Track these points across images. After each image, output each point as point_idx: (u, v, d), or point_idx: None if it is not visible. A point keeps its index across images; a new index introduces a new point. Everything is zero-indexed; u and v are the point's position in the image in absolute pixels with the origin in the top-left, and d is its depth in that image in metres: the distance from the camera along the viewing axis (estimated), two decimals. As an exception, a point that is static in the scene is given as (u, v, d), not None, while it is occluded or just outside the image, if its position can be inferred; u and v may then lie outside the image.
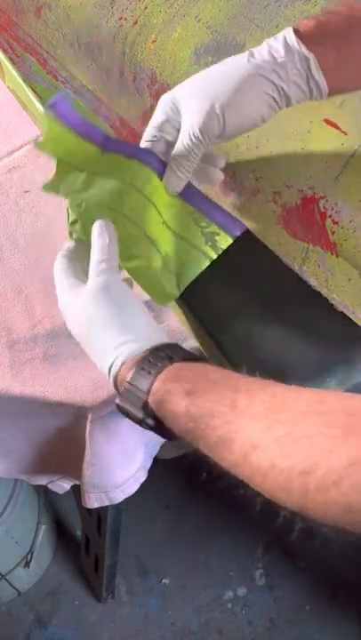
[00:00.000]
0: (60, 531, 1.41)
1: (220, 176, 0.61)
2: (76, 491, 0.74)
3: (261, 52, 0.53)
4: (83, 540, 1.26)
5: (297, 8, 0.64)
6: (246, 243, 0.63)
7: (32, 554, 1.24)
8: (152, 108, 0.69)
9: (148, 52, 0.72)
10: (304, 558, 1.34)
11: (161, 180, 0.57)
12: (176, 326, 0.68)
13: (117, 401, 0.48)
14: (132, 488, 0.71)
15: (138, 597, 1.34)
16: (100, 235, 0.54)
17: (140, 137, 0.65)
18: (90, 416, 0.64)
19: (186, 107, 0.54)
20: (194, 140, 0.54)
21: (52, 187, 0.56)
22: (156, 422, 0.46)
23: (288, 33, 0.53)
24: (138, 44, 0.73)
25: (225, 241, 0.61)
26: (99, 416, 0.64)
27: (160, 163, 0.57)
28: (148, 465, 0.74)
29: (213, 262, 0.62)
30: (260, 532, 1.37)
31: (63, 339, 0.66)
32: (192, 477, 1.44)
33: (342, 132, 0.62)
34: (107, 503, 0.71)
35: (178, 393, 0.45)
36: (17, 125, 0.78)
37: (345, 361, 0.57)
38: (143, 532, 1.39)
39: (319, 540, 1.35)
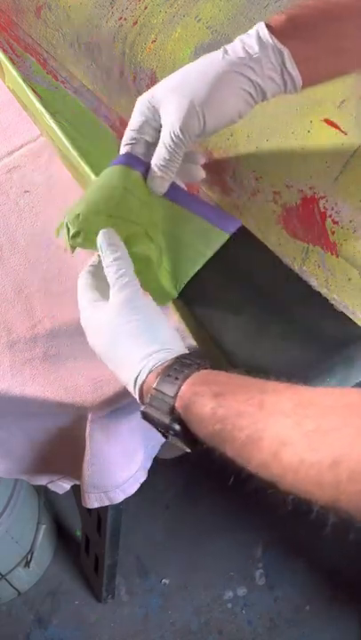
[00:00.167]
0: (60, 531, 1.41)
1: (202, 173, 0.62)
2: (76, 491, 0.74)
3: (235, 48, 0.53)
4: (83, 540, 1.26)
5: (297, 8, 0.64)
6: (246, 243, 0.63)
7: (32, 554, 1.24)
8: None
9: (148, 52, 0.72)
10: (304, 558, 1.34)
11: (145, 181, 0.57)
12: (176, 326, 0.68)
13: (143, 408, 0.48)
14: (132, 488, 0.71)
15: (138, 597, 1.34)
16: (109, 247, 0.54)
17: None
18: (90, 416, 0.64)
19: (164, 107, 0.54)
20: (175, 139, 0.54)
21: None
22: (181, 428, 0.46)
23: (261, 28, 0.53)
24: (138, 44, 0.73)
25: (220, 238, 0.61)
26: (99, 416, 0.64)
27: (143, 165, 0.57)
28: (148, 465, 0.74)
29: (214, 262, 0.62)
30: (260, 531, 1.37)
31: (63, 339, 0.66)
32: (192, 477, 1.44)
33: (342, 131, 0.62)
34: (107, 503, 0.71)
35: (205, 395, 0.45)
36: (17, 125, 0.78)
37: (345, 361, 0.57)
38: (143, 531, 1.39)
39: (319, 540, 1.35)
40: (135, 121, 0.56)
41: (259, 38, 0.53)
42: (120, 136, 0.68)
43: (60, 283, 0.68)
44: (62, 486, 0.77)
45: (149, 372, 0.49)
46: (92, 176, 0.62)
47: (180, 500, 1.43)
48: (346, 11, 0.53)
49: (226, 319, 0.60)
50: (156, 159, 0.56)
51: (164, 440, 0.76)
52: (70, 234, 0.55)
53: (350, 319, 0.58)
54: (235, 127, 0.67)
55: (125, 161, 0.57)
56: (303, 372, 0.55)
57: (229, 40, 0.55)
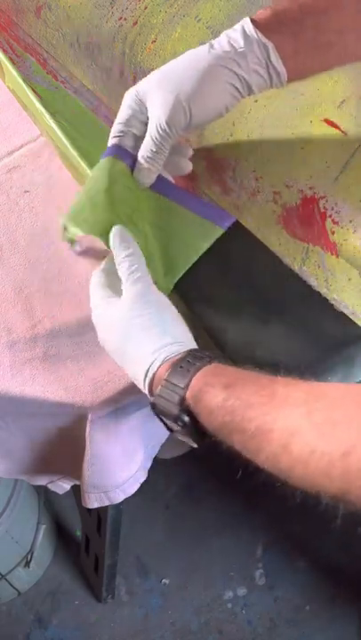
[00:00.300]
0: (60, 531, 1.41)
1: (189, 166, 0.62)
2: (76, 491, 0.74)
3: (221, 42, 0.54)
4: (83, 540, 1.26)
5: (297, 8, 0.64)
6: (246, 243, 0.63)
7: (32, 554, 1.24)
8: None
9: (148, 52, 0.72)
10: (304, 558, 1.34)
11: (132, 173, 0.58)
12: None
13: (152, 399, 0.48)
14: (132, 488, 0.71)
15: (138, 597, 1.34)
16: (121, 243, 0.54)
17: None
18: (90, 416, 0.64)
19: (151, 100, 0.55)
20: (161, 132, 0.54)
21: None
22: (190, 420, 0.46)
23: (246, 23, 0.54)
24: (138, 44, 0.73)
25: (215, 233, 0.61)
26: (99, 416, 0.64)
27: (130, 157, 0.58)
28: (148, 465, 0.74)
29: (213, 262, 0.62)
30: (260, 531, 1.37)
31: (63, 339, 0.66)
32: (192, 477, 1.44)
33: (342, 131, 0.62)
34: (107, 503, 0.71)
35: (216, 386, 0.45)
36: (17, 125, 0.78)
37: (345, 361, 0.57)
38: (143, 531, 1.39)
39: (319, 540, 1.35)
40: (123, 114, 0.57)
41: (244, 33, 0.53)
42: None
43: (60, 283, 0.68)
44: (62, 486, 0.77)
45: (161, 364, 0.49)
46: None
47: (180, 500, 1.43)
48: (331, 5, 0.54)
49: (226, 319, 0.60)
50: (143, 151, 0.56)
51: (164, 440, 0.76)
52: (64, 227, 0.56)
53: (350, 319, 0.58)
54: (235, 127, 0.67)
55: (112, 152, 0.58)
56: (303, 372, 0.55)
57: (229, 40, 0.55)
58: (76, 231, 0.56)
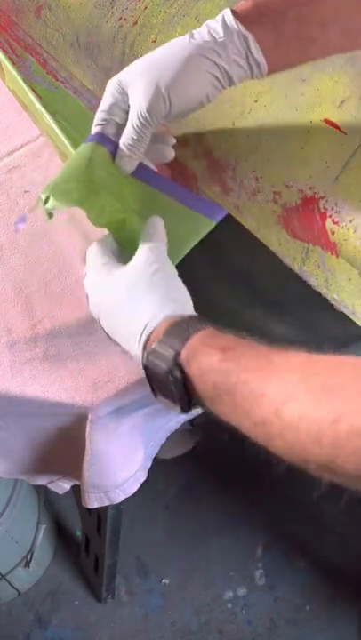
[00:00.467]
0: (60, 531, 1.41)
1: (171, 153, 0.62)
2: (76, 491, 0.74)
3: (201, 32, 0.55)
4: (83, 540, 1.26)
5: (297, 8, 0.64)
6: (246, 243, 0.63)
7: (32, 554, 1.24)
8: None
9: (148, 52, 0.72)
10: (304, 558, 1.34)
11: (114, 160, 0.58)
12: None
13: (146, 355, 0.47)
14: (132, 488, 0.71)
15: (138, 597, 1.34)
16: (158, 221, 0.56)
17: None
18: (90, 416, 0.64)
19: (132, 89, 0.55)
20: (142, 120, 0.55)
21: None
22: (182, 378, 0.45)
23: (226, 14, 0.54)
24: (138, 44, 0.73)
25: (206, 226, 0.62)
26: (99, 416, 0.64)
27: (113, 144, 0.58)
28: (148, 465, 0.74)
29: (212, 263, 0.62)
30: (260, 532, 1.37)
31: (63, 339, 0.66)
32: (192, 477, 1.44)
33: (342, 132, 0.62)
34: (107, 503, 0.71)
35: (213, 347, 0.44)
36: (17, 125, 0.78)
37: (345, 361, 0.57)
38: (143, 531, 1.39)
39: (319, 540, 1.35)
40: (105, 103, 0.57)
41: (224, 23, 0.54)
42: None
43: (59, 283, 0.68)
44: (62, 486, 0.77)
45: (163, 320, 0.48)
46: None
47: (180, 500, 1.43)
48: None
49: (226, 319, 0.60)
50: (125, 139, 0.57)
51: (164, 440, 0.76)
52: (42, 200, 0.56)
53: (350, 319, 0.58)
54: (235, 127, 0.67)
55: (95, 139, 0.58)
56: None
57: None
58: (55, 204, 0.56)
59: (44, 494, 1.30)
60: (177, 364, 0.45)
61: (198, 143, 0.68)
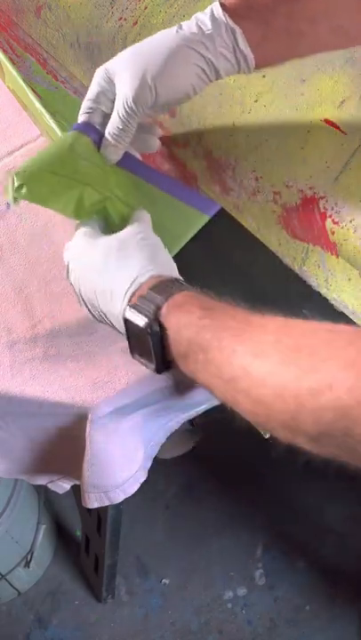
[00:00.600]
0: (60, 531, 1.41)
1: (157, 144, 0.63)
2: (76, 491, 0.74)
3: (190, 24, 0.55)
4: (83, 540, 1.26)
5: (297, 8, 0.64)
6: (246, 243, 0.63)
7: (32, 554, 1.24)
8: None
9: (148, 51, 0.72)
10: (304, 558, 1.34)
11: (99, 150, 0.58)
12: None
13: (127, 312, 0.48)
14: (132, 488, 0.71)
15: (138, 597, 1.34)
16: (144, 213, 0.57)
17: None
18: (90, 416, 0.64)
19: (119, 78, 0.55)
20: (128, 110, 0.55)
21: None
22: (160, 333, 0.46)
23: (215, 6, 0.55)
24: (138, 44, 0.73)
25: (200, 220, 0.62)
26: (99, 416, 0.64)
27: (98, 133, 0.58)
28: (148, 465, 0.74)
29: (212, 262, 0.62)
30: (260, 532, 1.37)
31: (63, 339, 0.66)
32: (192, 477, 1.44)
33: (342, 132, 0.62)
34: (107, 503, 0.71)
35: (194, 305, 0.45)
36: (17, 125, 0.78)
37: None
38: (143, 531, 1.39)
39: (319, 540, 1.35)
40: (92, 91, 0.57)
41: (213, 16, 0.54)
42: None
43: (59, 283, 0.68)
44: (62, 486, 0.77)
45: (149, 278, 0.49)
46: None
47: (180, 500, 1.43)
48: None
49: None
50: (110, 128, 0.57)
51: (164, 440, 0.76)
52: (15, 186, 0.56)
53: (350, 319, 0.58)
54: (235, 127, 0.67)
55: (80, 128, 0.58)
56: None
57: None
58: (26, 195, 0.56)
59: (44, 494, 1.30)
60: (156, 319, 0.46)
61: (198, 143, 0.68)
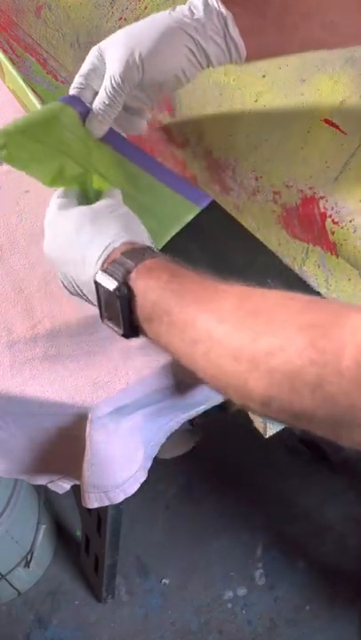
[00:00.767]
0: (60, 531, 1.41)
1: (144, 125, 0.63)
2: (76, 491, 0.74)
3: (182, 7, 0.56)
4: (83, 540, 1.26)
5: (297, 8, 0.64)
6: (245, 242, 0.63)
7: (32, 554, 1.24)
8: (152, 109, 0.69)
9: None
10: (304, 558, 1.34)
11: (84, 124, 0.58)
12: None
13: (98, 276, 0.48)
14: (132, 488, 0.71)
15: (138, 597, 1.34)
16: (116, 192, 0.57)
17: (139, 136, 0.65)
18: (90, 416, 0.64)
19: (109, 56, 0.56)
20: (115, 85, 0.55)
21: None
22: (128, 295, 0.46)
23: None
24: (138, 43, 0.73)
25: (191, 211, 0.62)
26: (99, 416, 0.64)
27: (85, 108, 0.58)
28: (148, 465, 0.74)
29: (210, 262, 0.61)
30: (260, 532, 1.37)
31: (63, 339, 0.66)
32: (192, 477, 1.44)
33: (342, 132, 0.62)
34: (107, 503, 0.71)
35: (164, 270, 0.46)
36: (17, 125, 0.78)
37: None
38: (143, 531, 1.39)
39: (319, 540, 1.35)
40: (84, 68, 0.58)
41: (205, 1, 0.55)
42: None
43: (60, 283, 0.68)
44: (62, 486, 0.77)
45: (122, 244, 0.50)
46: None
47: (180, 500, 1.43)
48: None
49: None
50: (96, 103, 0.57)
51: (164, 440, 0.76)
52: None
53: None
54: (235, 127, 0.67)
55: (67, 100, 0.58)
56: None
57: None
58: (6, 157, 0.55)
59: (44, 494, 1.30)
60: (125, 283, 0.47)
61: (198, 143, 0.68)
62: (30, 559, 1.24)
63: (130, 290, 0.46)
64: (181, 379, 0.66)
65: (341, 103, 0.62)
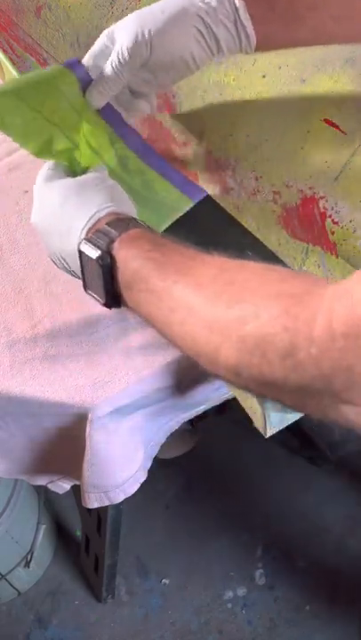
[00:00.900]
0: (60, 531, 1.41)
1: (148, 109, 0.63)
2: (76, 491, 0.74)
3: None
4: (83, 540, 1.26)
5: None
6: (245, 242, 0.63)
7: (32, 554, 1.24)
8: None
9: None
10: (304, 558, 1.34)
11: (84, 94, 0.58)
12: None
13: (81, 245, 0.49)
14: (132, 488, 0.71)
15: (138, 597, 1.34)
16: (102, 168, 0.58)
17: (139, 136, 0.65)
18: (90, 416, 0.64)
19: (119, 34, 0.56)
20: (121, 59, 0.55)
21: None
22: (110, 265, 0.47)
23: None
24: (138, 43, 0.73)
25: (183, 204, 0.61)
26: (99, 416, 0.64)
27: (88, 78, 0.58)
28: (148, 465, 0.74)
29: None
30: (260, 532, 1.37)
31: (63, 339, 0.66)
32: (192, 477, 1.44)
33: (342, 132, 0.62)
34: (107, 503, 0.71)
35: (147, 240, 0.47)
36: (17, 125, 0.78)
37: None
38: (143, 531, 1.39)
39: (319, 540, 1.35)
40: (94, 49, 0.58)
41: None
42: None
43: (59, 283, 0.68)
44: (62, 486, 0.77)
45: (107, 214, 0.50)
46: None
47: (180, 500, 1.43)
48: None
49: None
50: (101, 74, 0.57)
51: (164, 440, 0.76)
52: None
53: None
54: (235, 127, 0.67)
55: (71, 64, 0.58)
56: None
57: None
58: None
59: (43, 494, 1.30)
60: (108, 252, 0.47)
61: (198, 143, 0.68)
62: (30, 559, 1.24)
63: (112, 259, 0.47)
64: (181, 379, 0.66)
65: (341, 103, 0.62)
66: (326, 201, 0.61)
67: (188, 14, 0.55)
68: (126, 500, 0.71)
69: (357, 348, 0.31)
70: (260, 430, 0.61)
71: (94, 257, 0.47)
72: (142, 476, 0.72)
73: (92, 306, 0.64)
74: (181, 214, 0.62)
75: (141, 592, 1.34)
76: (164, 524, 1.40)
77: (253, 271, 0.40)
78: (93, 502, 0.71)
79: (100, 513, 1.03)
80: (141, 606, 1.33)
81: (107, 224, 0.49)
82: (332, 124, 0.62)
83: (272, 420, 0.60)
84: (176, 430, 0.75)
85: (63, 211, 0.52)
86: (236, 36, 0.56)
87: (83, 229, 0.50)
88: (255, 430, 0.62)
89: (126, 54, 0.55)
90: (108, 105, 0.59)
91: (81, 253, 0.49)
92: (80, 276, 0.52)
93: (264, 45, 0.57)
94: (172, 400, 0.68)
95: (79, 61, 0.58)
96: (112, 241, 0.47)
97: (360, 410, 0.33)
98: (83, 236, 0.50)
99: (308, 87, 0.65)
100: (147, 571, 1.36)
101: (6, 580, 1.25)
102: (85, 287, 0.51)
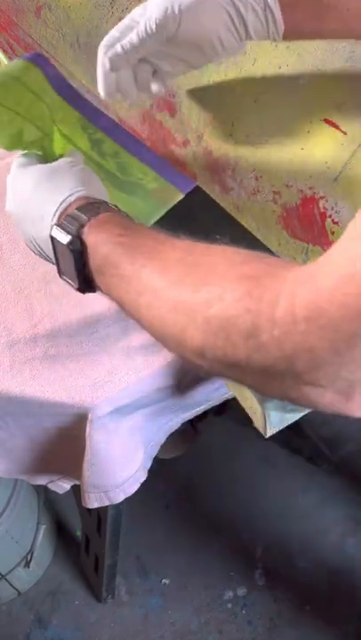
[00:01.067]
0: (60, 531, 1.41)
1: (156, 89, 0.62)
2: (76, 491, 0.74)
3: None
4: (83, 540, 1.26)
5: (297, 8, 0.64)
6: (244, 242, 0.63)
7: (32, 554, 1.24)
8: (151, 108, 0.70)
9: (148, 51, 0.72)
10: (304, 558, 1.34)
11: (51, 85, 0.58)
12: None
13: (53, 230, 0.49)
14: (132, 488, 0.71)
15: (138, 597, 1.34)
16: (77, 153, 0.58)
17: (140, 136, 0.65)
18: (90, 416, 0.64)
19: (151, 5, 0.56)
20: (148, 30, 0.55)
21: None
22: (80, 250, 0.47)
23: None
24: (138, 43, 0.73)
25: (174, 196, 0.61)
26: (99, 416, 0.64)
27: (53, 68, 0.58)
28: (148, 465, 0.74)
29: None
30: (260, 532, 1.37)
31: (63, 339, 0.66)
32: (192, 477, 1.44)
33: (342, 132, 0.62)
34: (107, 503, 0.71)
35: (116, 224, 0.47)
36: (17, 125, 0.78)
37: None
38: (143, 531, 1.39)
39: (319, 540, 1.35)
40: (122, 23, 0.57)
41: None
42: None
43: (59, 283, 0.68)
44: (62, 486, 0.77)
45: (77, 198, 0.50)
46: None
47: (180, 500, 1.43)
48: None
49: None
50: (124, 41, 0.56)
51: (164, 440, 0.76)
52: None
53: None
54: (235, 127, 0.67)
55: (32, 59, 0.58)
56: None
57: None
58: None
59: (43, 494, 1.30)
60: (79, 236, 0.47)
61: (198, 143, 0.68)
62: (30, 559, 1.24)
63: (83, 243, 0.47)
64: (181, 379, 0.66)
65: (341, 103, 0.62)
66: (326, 201, 0.61)
67: None
68: (126, 499, 0.71)
69: (319, 330, 0.31)
70: (260, 430, 0.61)
71: (65, 242, 0.48)
72: (142, 476, 0.72)
73: (92, 306, 0.65)
74: (172, 206, 0.62)
75: (141, 592, 1.34)
76: (164, 523, 1.40)
77: (219, 254, 0.40)
78: (93, 502, 0.71)
79: (100, 513, 1.03)
80: (141, 606, 1.33)
81: (77, 209, 0.49)
82: (333, 124, 0.62)
83: (272, 420, 0.61)
84: (176, 430, 0.75)
85: (36, 197, 0.52)
86: (264, 21, 0.56)
87: (54, 215, 0.50)
88: (255, 430, 0.62)
89: (154, 25, 0.55)
90: (75, 91, 0.59)
91: (53, 239, 0.49)
92: (54, 261, 0.52)
93: (291, 34, 0.57)
94: (172, 400, 0.68)
95: (39, 54, 0.58)
96: (82, 225, 0.48)
97: (322, 391, 0.33)
98: (54, 221, 0.50)
99: (308, 87, 0.65)
100: (147, 571, 1.36)
101: (6, 580, 1.25)
102: (60, 273, 0.52)
